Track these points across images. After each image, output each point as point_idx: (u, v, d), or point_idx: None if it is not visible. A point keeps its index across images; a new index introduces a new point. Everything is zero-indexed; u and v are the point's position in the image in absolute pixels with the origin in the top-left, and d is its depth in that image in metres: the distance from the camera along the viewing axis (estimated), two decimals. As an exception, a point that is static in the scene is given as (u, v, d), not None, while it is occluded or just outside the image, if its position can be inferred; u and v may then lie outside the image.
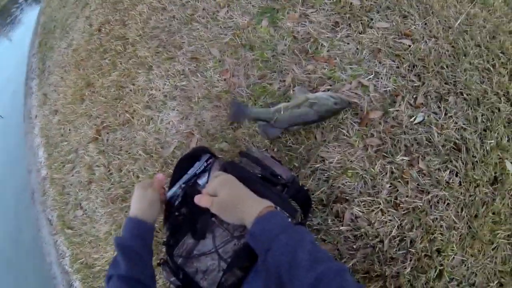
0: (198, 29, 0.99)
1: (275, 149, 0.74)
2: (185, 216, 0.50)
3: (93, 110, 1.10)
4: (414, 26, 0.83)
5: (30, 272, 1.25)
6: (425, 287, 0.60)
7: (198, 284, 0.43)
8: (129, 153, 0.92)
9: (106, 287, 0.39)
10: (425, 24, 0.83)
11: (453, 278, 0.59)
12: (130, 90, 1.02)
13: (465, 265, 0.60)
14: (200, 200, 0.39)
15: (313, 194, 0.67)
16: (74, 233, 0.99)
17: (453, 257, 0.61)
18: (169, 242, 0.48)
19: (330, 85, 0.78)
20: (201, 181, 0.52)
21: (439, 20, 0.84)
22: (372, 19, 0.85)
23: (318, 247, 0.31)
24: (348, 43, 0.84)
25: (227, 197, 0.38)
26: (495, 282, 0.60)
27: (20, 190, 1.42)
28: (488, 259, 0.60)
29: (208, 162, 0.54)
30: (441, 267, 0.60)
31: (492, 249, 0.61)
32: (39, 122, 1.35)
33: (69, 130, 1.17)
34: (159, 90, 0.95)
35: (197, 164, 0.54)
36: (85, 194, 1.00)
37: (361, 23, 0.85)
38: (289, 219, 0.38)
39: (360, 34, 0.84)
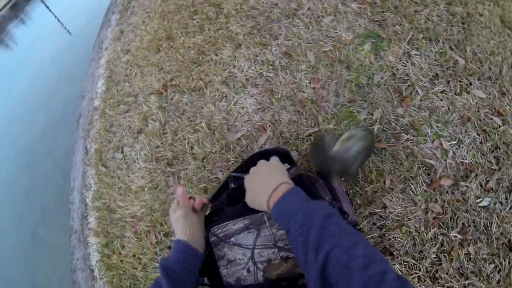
0: (299, 26, 0.93)
1: (343, 178, 0.70)
2: (234, 199, 0.46)
3: (166, 64, 1.06)
4: (509, 107, 0.77)
5: (51, 185, 1.27)
6: None
7: (218, 269, 0.41)
8: (191, 121, 0.89)
9: None
10: None
11: None
12: (211, 60, 0.97)
13: None
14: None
15: (365, 234, 0.65)
16: (107, 173, 0.96)
17: None
18: (214, 216, 0.45)
19: (414, 136, 0.73)
20: None
21: None
22: (471, 84, 0.79)
23: (329, 221, 0.28)
24: (441, 100, 0.78)
25: (254, 174, 0.37)
26: None
27: (68, 108, 1.42)
28: None
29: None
30: None
31: None
32: (108, 54, 1.32)
33: (135, 73, 1.14)
34: (242, 72, 0.90)
35: None
36: (131, 141, 0.97)
37: (460, 84, 0.79)
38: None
39: (456, 95, 0.78)
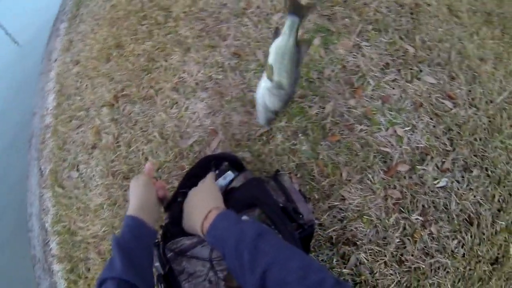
0: (248, 25, 0.90)
1: (298, 175, 0.67)
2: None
3: (116, 74, 0.99)
4: (459, 90, 0.79)
5: (8, 214, 1.14)
6: None
7: (180, 284, 0.39)
8: (144, 131, 0.83)
9: None
10: (469, 91, 0.79)
11: None
12: (161, 66, 0.92)
13: None
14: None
15: (325, 231, 0.63)
16: (64, 194, 0.89)
17: None
18: (167, 232, 0.44)
19: (367, 126, 0.72)
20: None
21: (483, 91, 0.80)
22: (421, 71, 0.80)
23: (262, 240, 0.28)
24: (393, 88, 0.78)
25: (189, 199, 0.37)
26: None
27: (20, 128, 1.28)
28: None
29: (231, 180, 0.49)
30: None
31: None
32: (57, 67, 1.22)
33: (86, 85, 1.05)
34: (192, 76, 0.86)
35: (221, 179, 0.48)
36: (86, 157, 0.90)
37: (411, 71, 0.80)
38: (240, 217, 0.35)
39: (407, 82, 0.78)
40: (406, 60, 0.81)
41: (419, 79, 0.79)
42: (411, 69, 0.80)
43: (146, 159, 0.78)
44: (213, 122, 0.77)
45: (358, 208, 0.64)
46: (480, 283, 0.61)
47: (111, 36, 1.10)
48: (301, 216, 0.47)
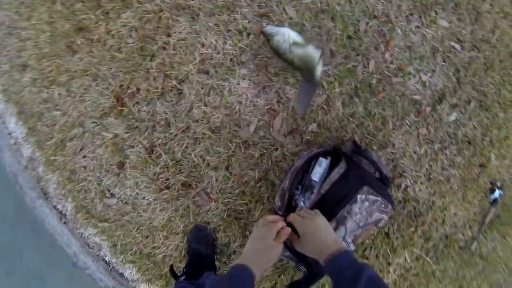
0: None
1: (359, 132, 0.72)
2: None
3: (100, 68, 0.72)
4: (465, 31, 0.84)
5: (51, 271, 0.90)
6: (436, 231, 0.84)
7: None
8: (184, 130, 0.69)
9: None
10: (472, 32, 0.86)
11: (449, 223, 0.87)
12: (166, 44, 0.69)
13: (455, 214, 0.87)
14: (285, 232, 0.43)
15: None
16: (111, 225, 0.75)
17: (451, 210, 0.86)
18: None
19: (401, 77, 0.77)
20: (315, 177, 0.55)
21: (483, 32, 0.88)
22: (437, 14, 0.82)
23: (374, 279, 0.35)
24: (415, 34, 0.80)
25: (314, 226, 0.43)
26: (468, 226, 0.90)
27: None
28: (467, 211, 0.89)
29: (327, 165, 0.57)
30: (444, 216, 0.85)
31: (472, 204, 0.88)
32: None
33: (59, 94, 0.75)
34: (217, 50, 0.68)
35: (318, 169, 0.55)
36: (114, 179, 0.74)
37: (429, 16, 0.80)
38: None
39: (426, 28, 0.80)
40: (426, 4, 0.81)
41: (435, 23, 0.82)
42: (429, 14, 0.81)
43: (204, 159, 0.69)
44: (267, 100, 0.68)
45: (402, 148, 0.77)
46: (473, 181, 0.86)
47: (59, 17, 0.73)
48: (389, 179, 0.61)
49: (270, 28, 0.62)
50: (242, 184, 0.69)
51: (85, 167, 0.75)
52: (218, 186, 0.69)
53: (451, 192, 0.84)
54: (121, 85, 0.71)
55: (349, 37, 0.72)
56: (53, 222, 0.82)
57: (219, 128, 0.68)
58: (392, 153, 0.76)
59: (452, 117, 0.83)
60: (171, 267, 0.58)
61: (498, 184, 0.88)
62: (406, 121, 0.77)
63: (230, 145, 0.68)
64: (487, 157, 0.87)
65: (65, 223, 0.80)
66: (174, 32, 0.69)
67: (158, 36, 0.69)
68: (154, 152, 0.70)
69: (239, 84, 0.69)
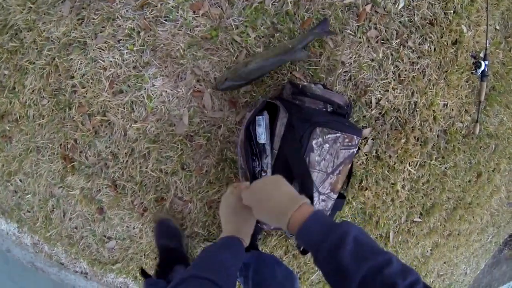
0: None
1: (297, 68, 0.62)
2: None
3: (35, 141, 0.70)
4: None
5: None
6: (431, 131, 0.75)
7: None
8: (132, 154, 0.66)
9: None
10: None
11: (441, 117, 0.76)
12: (73, 86, 0.65)
13: (444, 105, 0.76)
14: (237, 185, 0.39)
15: (344, 95, 0.66)
16: (124, 264, 0.79)
17: (439, 103, 0.75)
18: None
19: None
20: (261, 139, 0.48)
21: None
22: None
23: (361, 242, 0.28)
24: None
25: (260, 185, 0.36)
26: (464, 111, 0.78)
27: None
28: (457, 97, 0.77)
29: (264, 121, 0.49)
30: (434, 112, 0.75)
31: (458, 88, 0.76)
32: None
33: (21, 180, 0.76)
34: (119, 65, 0.63)
35: (259, 130, 0.48)
36: (104, 225, 0.75)
37: None
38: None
39: None
40: None
41: None
42: None
43: (161, 170, 0.66)
44: (187, 85, 0.61)
45: (356, 62, 0.66)
46: (451, 62, 0.73)
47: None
48: (344, 107, 0.52)
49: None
50: (205, 175, 0.65)
51: (76, 227, 0.77)
52: (185, 187, 0.67)
53: (431, 85, 0.72)
54: (60, 145, 0.69)
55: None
56: (82, 282, 0.88)
57: (158, 135, 0.64)
58: (346, 72, 0.65)
59: (401, 4, 0.67)
60: (142, 269, 0.55)
61: (481, 54, 0.74)
62: (348, 31, 0.64)
63: (175, 145, 0.64)
64: (457, 31, 0.72)
65: (90, 278, 0.85)
66: (75, 71, 0.64)
67: (64, 84, 0.65)
68: (118, 186, 0.69)
69: (154, 85, 0.63)
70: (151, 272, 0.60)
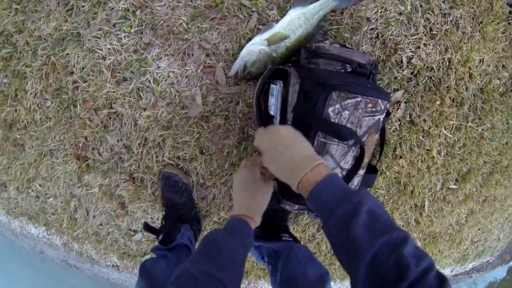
0: None
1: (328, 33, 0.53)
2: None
3: (47, 144, 0.66)
4: None
5: None
6: (467, 91, 0.65)
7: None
8: (145, 144, 0.61)
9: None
10: None
11: (477, 74, 0.66)
12: (75, 82, 0.59)
13: (480, 60, 0.65)
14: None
15: (372, 55, 0.56)
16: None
17: (475, 59, 0.64)
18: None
19: None
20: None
21: None
22: None
23: (377, 214, 0.24)
24: None
25: (276, 131, 0.31)
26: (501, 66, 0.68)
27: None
28: (494, 51, 0.66)
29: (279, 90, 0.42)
30: (470, 69, 0.65)
31: (494, 40, 0.65)
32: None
33: (40, 185, 0.74)
34: (118, 51, 0.55)
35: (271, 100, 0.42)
36: (128, 219, 0.72)
37: None
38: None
39: None
40: None
41: None
42: None
43: (178, 157, 0.60)
44: (196, 62, 0.53)
45: (382, 18, 0.56)
46: (486, 12, 0.62)
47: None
48: (366, 65, 0.43)
49: (232, 69, 0.49)
50: (226, 157, 0.59)
51: (101, 224, 0.74)
52: (207, 172, 0.61)
53: (466, 38, 0.61)
54: (72, 145, 0.65)
55: None
56: (115, 274, 0.88)
57: (171, 120, 0.57)
58: (372, 29, 0.55)
59: None
60: (145, 224, 0.52)
61: None
62: None
63: (191, 129, 0.57)
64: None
65: (122, 271, 0.85)
66: (73, 66, 0.57)
67: (64, 81, 0.59)
68: (136, 179, 0.64)
69: (159, 67, 0.55)
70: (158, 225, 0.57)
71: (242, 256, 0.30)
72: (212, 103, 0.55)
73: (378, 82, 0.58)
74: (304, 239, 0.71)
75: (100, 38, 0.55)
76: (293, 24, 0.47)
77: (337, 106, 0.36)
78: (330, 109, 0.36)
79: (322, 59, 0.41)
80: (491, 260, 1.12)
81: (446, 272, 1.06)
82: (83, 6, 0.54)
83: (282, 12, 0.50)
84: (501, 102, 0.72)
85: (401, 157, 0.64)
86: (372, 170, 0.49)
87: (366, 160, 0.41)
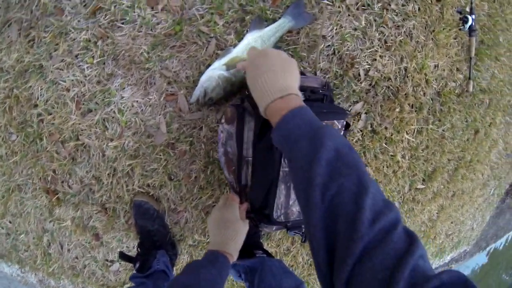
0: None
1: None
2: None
3: (15, 179, 0.64)
4: None
5: None
6: (424, 95, 0.69)
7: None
8: (113, 174, 0.60)
9: None
10: None
11: (433, 79, 0.70)
12: (39, 115, 0.58)
13: (435, 66, 0.70)
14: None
15: (329, 71, 0.59)
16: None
17: (429, 65, 0.69)
18: (263, 211, 0.39)
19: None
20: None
21: None
22: None
23: (342, 153, 0.22)
24: None
25: (268, 53, 0.29)
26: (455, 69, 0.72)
27: None
28: (447, 56, 0.70)
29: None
30: (426, 76, 0.69)
31: (447, 46, 0.69)
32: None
33: (10, 222, 0.71)
34: (82, 83, 0.55)
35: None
36: (103, 250, 0.69)
37: None
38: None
39: None
40: None
41: None
42: None
43: (147, 184, 0.60)
44: (158, 90, 0.54)
45: (338, 34, 0.58)
46: (438, 20, 0.66)
47: None
48: (319, 89, 0.43)
49: (193, 96, 0.49)
50: (195, 182, 0.60)
51: (77, 257, 0.72)
52: (177, 197, 0.61)
53: (420, 47, 0.65)
54: (40, 178, 0.62)
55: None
56: None
57: (137, 149, 0.57)
58: (328, 46, 0.58)
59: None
60: (121, 253, 0.52)
61: (467, 9, 0.67)
62: (325, 1, 0.56)
63: (158, 156, 0.57)
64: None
65: None
66: (37, 99, 0.56)
67: (28, 114, 0.57)
68: (108, 209, 0.63)
69: (122, 97, 0.55)
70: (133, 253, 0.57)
71: (220, 286, 0.31)
72: (176, 130, 0.56)
73: (337, 97, 0.61)
74: (279, 254, 0.72)
75: (63, 70, 0.55)
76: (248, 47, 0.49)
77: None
78: None
79: None
80: (468, 249, 1.17)
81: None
82: (45, 37, 0.53)
83: (240, 36, 0.52)
84: (458, 102, 0.77)
85: (366, 166, 0.67)
86: None
87: None
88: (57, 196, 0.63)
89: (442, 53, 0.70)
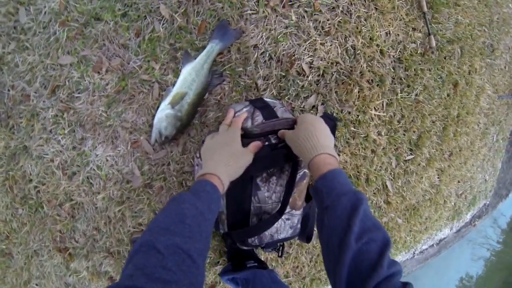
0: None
1: (231, 85, 0.60)
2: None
3: (31, 246, 0.75)
4: None
5: None
6: (383, 67, 0.69)
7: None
8: (110, 221, 0.68)
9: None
10: None
11: (388, 47, 0.70)
12: (36, 188, 0.68)
13: (386, 33, 0.69)
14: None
15: (271, 77, 0.61)
16: None
17: (380, 35, 0.68)
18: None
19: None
20: None
21: None
22: None
23: (369, 214, 0.29)
24: None
25: (299, 130, 0.37)
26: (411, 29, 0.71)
27: None
28: (398, 19, 0.70)
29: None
30: (378, 47, 0.69)
31: (394, 10, 0.69)
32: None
33: (37, 284, 0.81)
34: (61, 152, 0.64)
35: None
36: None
37: None
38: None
39: None
40: None
41: None
42: None
43: (139, 224, 0.67)
44: (124, 141, 0.62)
45: (270, 39, 0.61)
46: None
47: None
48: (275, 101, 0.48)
49: (152, 138, 0.57)
50: None
51: None
52: None
53: (363, 19, 0.65)
54: (51, 240, 0.73)
55: (121, 15, 0.59)
56: None
57: (122, 196, 0.65)
58: (263, 53, 0.60)
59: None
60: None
61: None
62: (248, 11, 0.59)
63: (141, 197, 0.65)
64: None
65: None
66: (30, 175, 0.67)
67: (26, 189, 0.68)
68: (113, 253, 0.70)
69: (97, 155, 0.63)
70: None
71: (210, 223, 0.28)
72: (148, 171, 0.63)
73: (287, 97, 0.63)
74: (279, 259, 0.73)
75: (43, 145, 0.64)
76: (186, 81, 0.52)
77: (264, 175, 0.39)
78: (258, 179, 0.38)
79: (248, 139, 0.40)
80: (488, 202, 1.10)
81: (446, 231, 1.05)
82: (21, 122, 0.63)
83: (177, 74, 0.58)
84: (425, 61, 0.75)
85: (339, 154, 0.68)
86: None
87: (299, 202, 0.43)
88: (68, 252, 0.74)
89: (390, 18, 0.69)
